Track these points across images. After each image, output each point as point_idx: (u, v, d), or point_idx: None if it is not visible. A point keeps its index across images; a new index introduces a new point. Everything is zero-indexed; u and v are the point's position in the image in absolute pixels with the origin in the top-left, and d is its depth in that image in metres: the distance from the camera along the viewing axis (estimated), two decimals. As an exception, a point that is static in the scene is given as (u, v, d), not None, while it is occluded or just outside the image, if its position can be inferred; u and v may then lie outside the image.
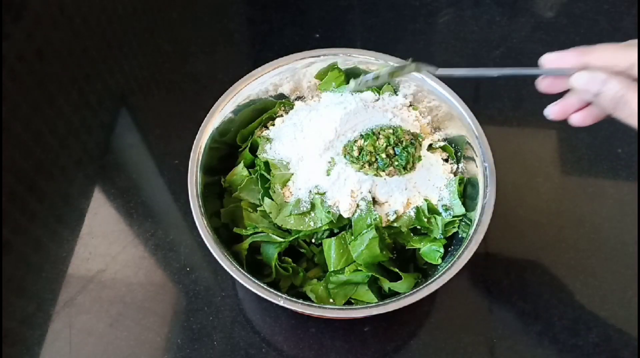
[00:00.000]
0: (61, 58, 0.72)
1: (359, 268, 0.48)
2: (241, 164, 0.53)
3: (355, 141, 0.49)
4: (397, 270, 0.48)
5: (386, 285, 0.48)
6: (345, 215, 0.48)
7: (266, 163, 0.51)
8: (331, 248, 0.48)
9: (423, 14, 0.79)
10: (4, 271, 0.56)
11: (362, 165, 0.48)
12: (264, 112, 0.57)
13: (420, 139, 0.52)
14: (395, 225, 0.49)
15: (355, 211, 0.48)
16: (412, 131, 0.51)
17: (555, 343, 0.53)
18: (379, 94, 0.56)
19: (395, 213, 0.49)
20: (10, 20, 0.72)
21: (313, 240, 0.50)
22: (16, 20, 0.73)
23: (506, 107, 0.69)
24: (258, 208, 0.51)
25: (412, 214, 0.49)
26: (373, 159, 0.48)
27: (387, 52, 0.56)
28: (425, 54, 0.75)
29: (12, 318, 0.53)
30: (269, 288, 0.44)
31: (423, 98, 0.56)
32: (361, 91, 0.55)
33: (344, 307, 0.48)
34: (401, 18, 0.78)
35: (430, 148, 0.54)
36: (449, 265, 0.45)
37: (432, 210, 0.50)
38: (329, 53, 0.56)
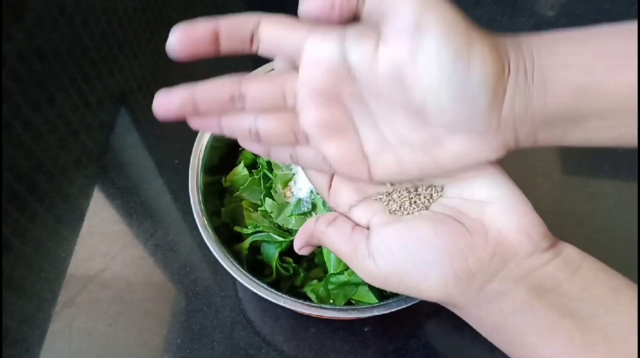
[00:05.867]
0: (61, 58, 0.72)
1: (359, 269, 0.48)
2: (241, 164, 0.53)
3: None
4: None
5: (388, 285, 0.48)
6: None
7: (268, 162, 0.51)
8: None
9: (423, 14, 0.79)
10: (4, 271, 0.56)
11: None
12: (264, 112, 0.57)
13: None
14: None
15: (356, 211, 0.48)
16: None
17: (555, 343, 0.53)
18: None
19: None
20: (10, 21, 0.72)
21: (313, 240, 0.50)
22: (16, 20, 0.73)
23: (506, 107, 0.69)
24: (259, 208, 0.51)
25: None
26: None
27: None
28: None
29: (12, 318, 0.53)
30: (270, 288, 0.44)
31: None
32: None
33: (344, 307, 0.48)
34: (401, 18, 0.78)
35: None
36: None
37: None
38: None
